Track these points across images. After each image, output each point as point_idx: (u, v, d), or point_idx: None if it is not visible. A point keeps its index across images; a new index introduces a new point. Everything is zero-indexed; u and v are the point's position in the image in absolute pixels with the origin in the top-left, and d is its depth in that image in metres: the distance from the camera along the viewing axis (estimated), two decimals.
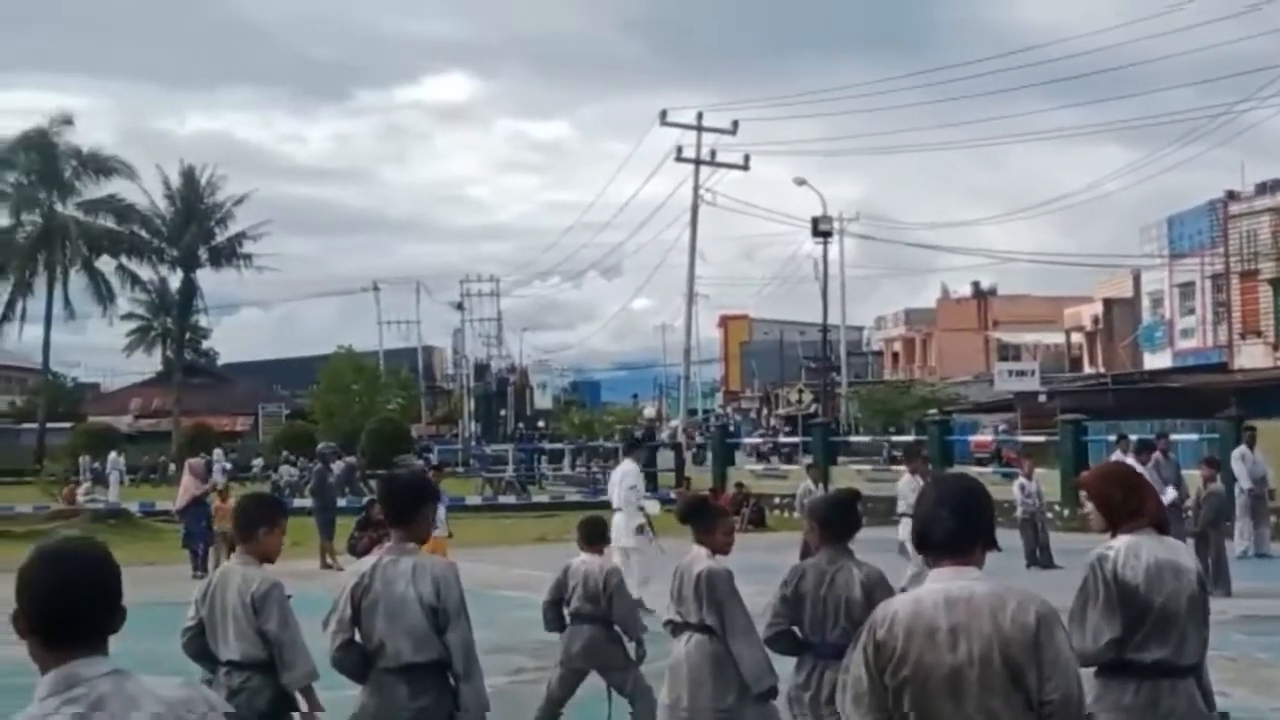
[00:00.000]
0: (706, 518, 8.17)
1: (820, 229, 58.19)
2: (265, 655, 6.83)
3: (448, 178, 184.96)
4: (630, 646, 9.86)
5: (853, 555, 7.25)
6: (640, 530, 18.61)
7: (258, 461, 62.14)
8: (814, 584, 7.10)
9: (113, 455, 50.16)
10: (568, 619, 9.88)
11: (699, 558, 7.91)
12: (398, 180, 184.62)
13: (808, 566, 7.32)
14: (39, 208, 67.31)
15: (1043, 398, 45.00)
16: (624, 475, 19.38)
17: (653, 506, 20.97)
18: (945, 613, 4.02)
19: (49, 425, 68.79)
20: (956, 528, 4.17)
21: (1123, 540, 5.63)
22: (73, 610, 3.24)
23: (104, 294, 69.66)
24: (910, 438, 39.25)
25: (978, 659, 3.96)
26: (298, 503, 29.98)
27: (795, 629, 7.22)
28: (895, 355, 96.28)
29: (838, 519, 7.38)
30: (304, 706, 6.94)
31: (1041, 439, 36.50)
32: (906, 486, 18.51)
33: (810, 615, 7.09)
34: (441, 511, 20.57)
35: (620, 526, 18.24)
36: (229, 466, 47.11)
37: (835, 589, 7.03)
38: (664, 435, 63.97)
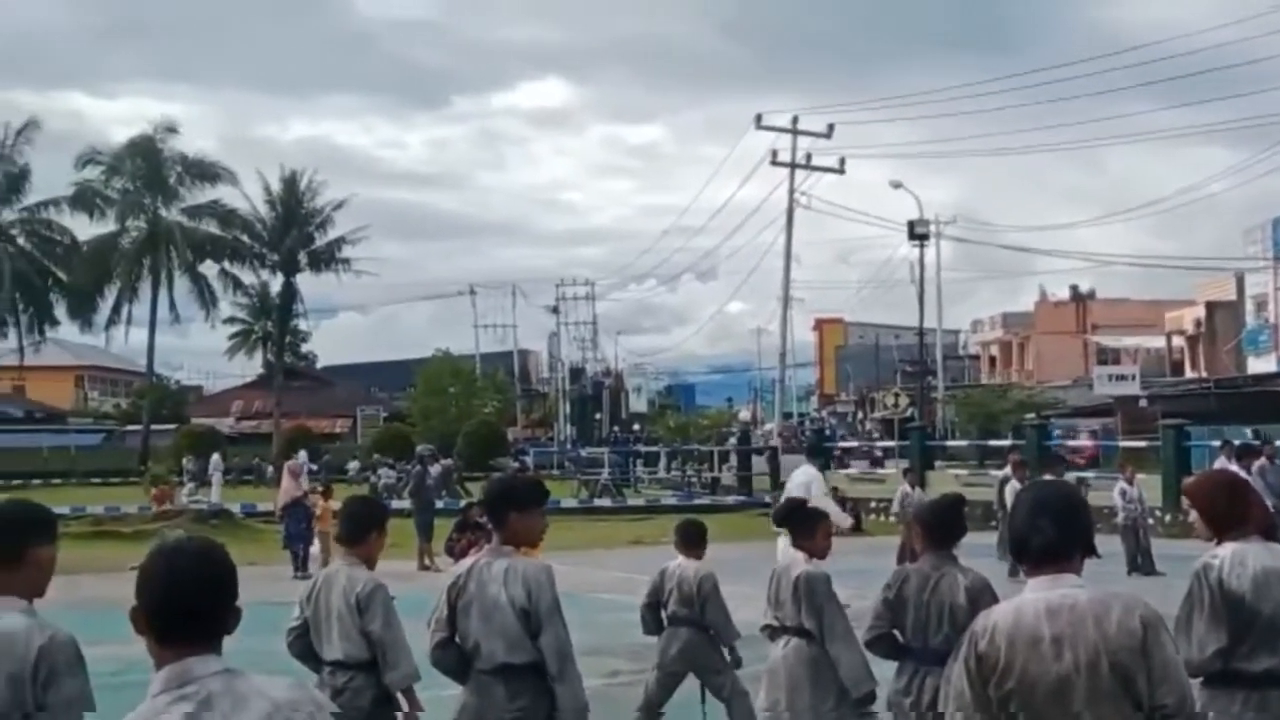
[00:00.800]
0: (806, 521, 8.17)
1: (917, 232, 57.89)
2: (368, 656, 6.91)
3: (543, 182, 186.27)
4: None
5: (957, 561, 7.17)
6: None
7: (353, 464, 62.60)
8: (917, 588, 7.04)
9: (215, 457, 50.79)
10: (665, 622, 9.89)
11: (797, 561, 7.90)
12: (494, 185, 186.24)
13: (911, 571, 7.26)
14: (144, 213, 68.27)
15: (1143, 402, 44.42)
16: (810, 480, 19.20)
17: (844, 521, 20.15)
18: (1047, 622, 3.97)
19: (153, 427, 69.74)
20: (1056, 535, 4.11)
21: (1228, 548, 5.54)
22: (187, 607, 3.29)
23: (207, 298, 70.51)
24: (1007, 442, 38.88)
25: (1084, 667, 3.91)
26: (395, 504, 30.20)
27: (896, 633, 7.18)
28: (992, 359, 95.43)
29: (942, 523, 7.31)
30: (405, 707, 7.01)
31: (1143, 444, 36.01)
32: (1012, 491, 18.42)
33: (912, 620, 7.04)
34: None
35: None
36: (315, 468, 47.51)
37: (939, 594, 6.96)
38: (758, 438, 63.79)
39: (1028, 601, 4.06)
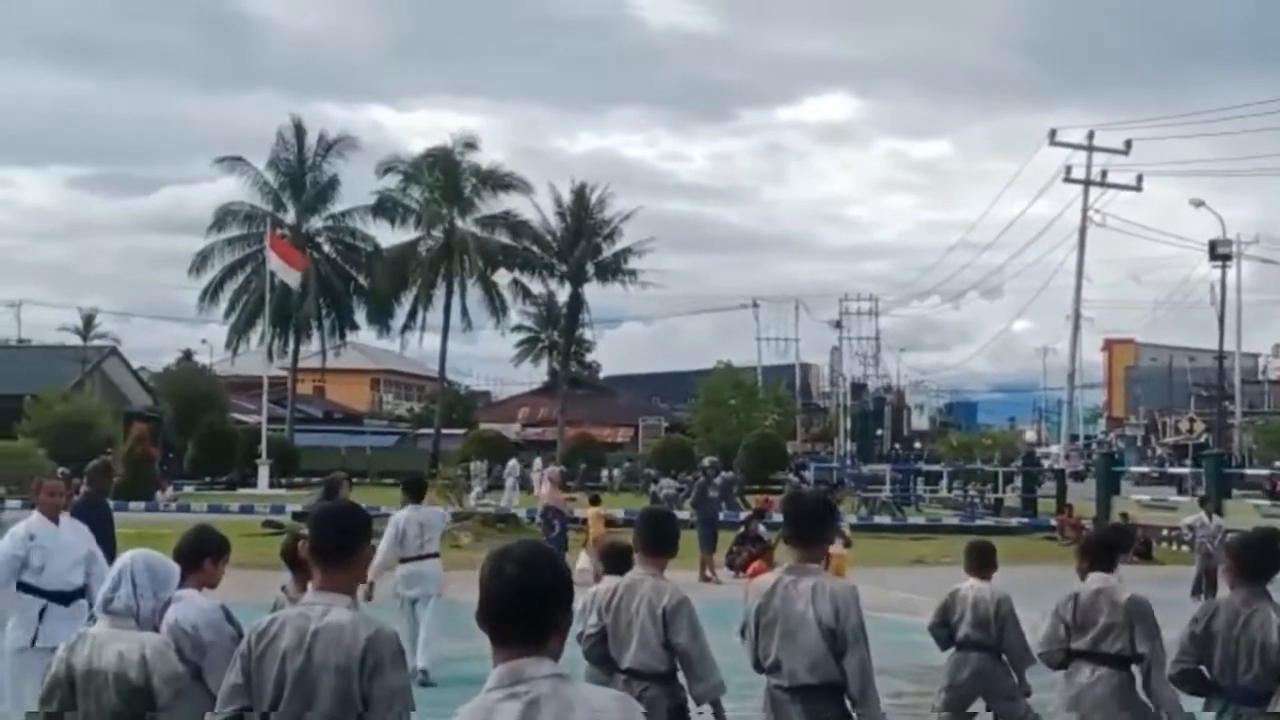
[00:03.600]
0: (1122, 546, 8.02)
1: (1218, 252, 55.87)
2: (664, 667, 6.98)
3: (827, 196, 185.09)
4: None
5: (1270, 597, 6.90)
6: None
7: (615, 473, 63.29)
8: (1226, 624, 6.79)
9: (512, 463, 51.51)
10: (954, 644, 9.69)
11: (1114, 585, 7.72)
12: (777, 198, 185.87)
13: (1220, 604, 7.03)
14: (441, 223, 70.15)
15: None
16: None
17: None
18: None
19: (444, 431, 71.83)
20: None
21: None
22: (513, 610, 3.42)
23: (497, 306, 72.03)
24: None
25: None
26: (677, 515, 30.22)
27: (1203, 669, 6.93)
28: None
29: (1256, 557, 7.03)
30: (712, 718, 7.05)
31: None
32: None
33: (1220, 656, 6.78)
34: (845, 527, 21.18)
35: None
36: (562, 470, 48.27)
37: (1249, 631, 6.69)
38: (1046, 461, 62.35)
39: None
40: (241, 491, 52.80)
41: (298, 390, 74.90)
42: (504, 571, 3.45)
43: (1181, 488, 46.16)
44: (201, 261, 69.37)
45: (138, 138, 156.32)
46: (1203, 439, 61.28)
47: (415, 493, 15.69)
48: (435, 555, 15.00)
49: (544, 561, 3.53)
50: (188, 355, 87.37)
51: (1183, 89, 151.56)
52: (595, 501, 28.16)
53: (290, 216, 69.96)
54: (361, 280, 71.66)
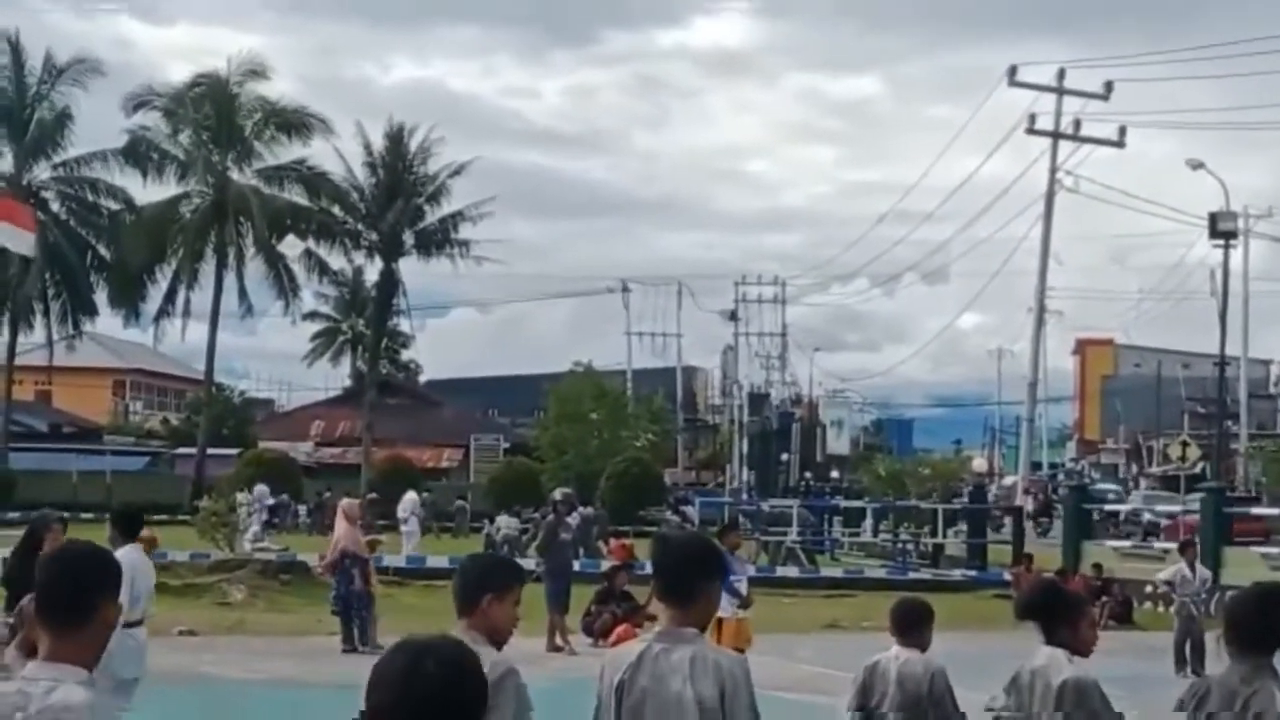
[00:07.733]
0: (1062, 609, 8.10)
1: (1220, 228, 56.99)
2: None
3: (719, 147, 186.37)
4: None
5: (1276, 673, 7.03)
6: None
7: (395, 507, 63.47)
8: (1221, 705, 6.91)
9: (413, 496, 49.51)
10: None
11: (1057, 663, 7.83)
12: (655, 149, 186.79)
13: (1214, 683, 7.15)
14: (212, 174, 68.57)
15: None
16: None
17: None
18: None
19: (210, 451, 70.68)
20: None
21: None
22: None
23: (285, 286, 70.94)
24: None
25: None
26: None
27: None
28: None
29: (1254, 622, 7.16)
30: None
31: None
32: None
33: None
34: (744, 585, 20.62)
35: None
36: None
37: (1248, 715, 6.84)
38: (995, 495, 63.27)
39: None
40: None
41: (15, 396, 73.70)
42: (423, 673, 3.51)
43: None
44: None
45: None
46: (1199, 468, 62.48)
47: (132, 530, 14.54)
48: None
49: (473, 666, 3.63)
50: None
51: (1178, 19, 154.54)
52: (373, 546, 28.64)
53: (6, 163, 68.83)
54: (103, 250, 70.61)
